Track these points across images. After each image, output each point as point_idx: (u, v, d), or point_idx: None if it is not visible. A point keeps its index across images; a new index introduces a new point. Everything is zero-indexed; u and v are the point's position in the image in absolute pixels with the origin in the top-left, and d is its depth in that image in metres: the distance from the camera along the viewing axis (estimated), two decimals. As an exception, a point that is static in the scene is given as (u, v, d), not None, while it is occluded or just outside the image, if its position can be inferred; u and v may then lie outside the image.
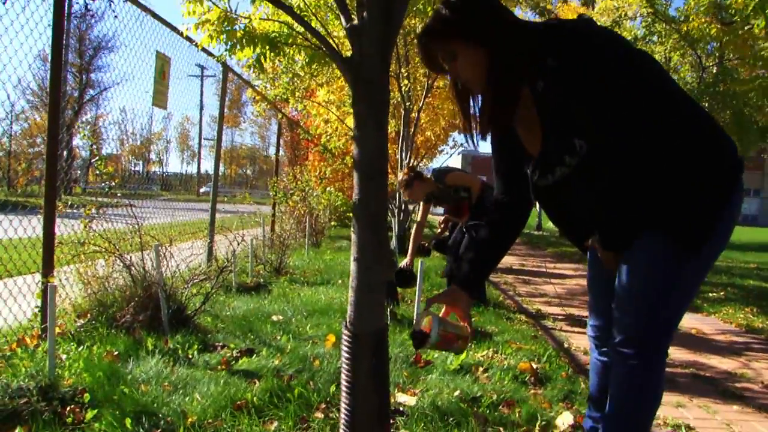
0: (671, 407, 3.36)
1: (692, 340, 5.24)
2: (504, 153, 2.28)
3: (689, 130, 1.87)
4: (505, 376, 3.56)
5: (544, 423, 2.88)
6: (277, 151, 10.80)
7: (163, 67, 5.71)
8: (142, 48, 5.37)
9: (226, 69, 7.39)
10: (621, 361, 2.04)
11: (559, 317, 5.87)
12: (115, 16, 4.12)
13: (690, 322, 5.97)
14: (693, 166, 1.86)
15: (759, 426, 3.20)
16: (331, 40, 5.48)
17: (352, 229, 2.31)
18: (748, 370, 4.28)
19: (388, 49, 2.29)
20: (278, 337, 4.17)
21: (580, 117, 1.87)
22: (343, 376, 2.35)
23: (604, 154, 1.85)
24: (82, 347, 3.67)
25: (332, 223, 13.86)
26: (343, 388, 2.35)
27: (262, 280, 6.62)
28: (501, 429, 2.78)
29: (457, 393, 3.18)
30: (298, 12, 5.39)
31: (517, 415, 2.94)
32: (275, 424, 2.76)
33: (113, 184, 4.60)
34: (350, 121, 9.92)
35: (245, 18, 5.05)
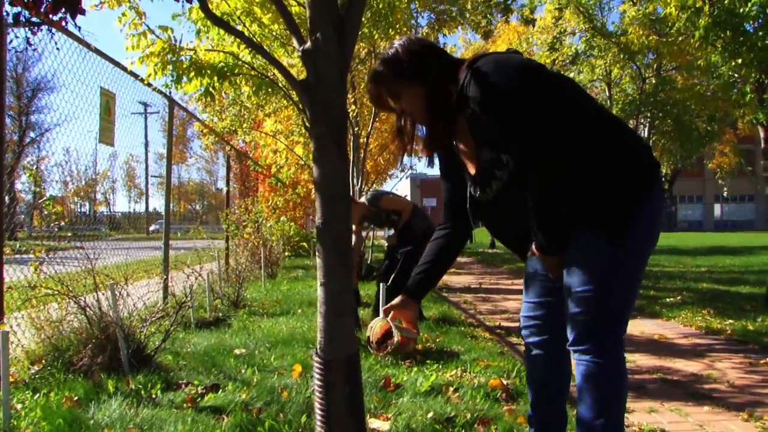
0: (644, 413, 3.39)
1: (656, 345, 5.31)
2: (450, 184, 2.56)
3: (606, 137, 2.12)
4: (477, 394, 3.54)
5: (520, 438, 2.86)
6: (228, 183, 10.69)
7: (108, 103, 5.60)
8: (83, 86, 5.25)
9: (172, 103, 7.28)
10: (581, 358, 2.13)
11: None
12: (57, 49, 4.02)
13: (652, 328, 6.06)
14: (612, 168, 2.08)
15: (731, 425, 3.25)
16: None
17: (316, 253, 2.28)
18: (714, 371, 4.35)
19: (344, 69, 2.28)
20: (243, 371, 4.08)
21: (499, 136, 2.16)
22: (316, 405, 2.30)
23: (524, 166, 2.09)
24: (38, 395, 3.53)
25: (286, 253, 13.76)
26: (318, 418, 2.30)
27: (220, 314, 6.50)
28: (478, 447, 2.75)
29: (430, 414, 3.14)
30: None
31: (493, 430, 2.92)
32: (248, 459, 2.68)
33: (62, 224, 4.47)
34: (299, 150, 9.90)
35: (190, 50, 5.02)
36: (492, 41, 14.93)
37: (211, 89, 4.99)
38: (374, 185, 15.31)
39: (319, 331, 2.28)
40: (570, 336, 2.15)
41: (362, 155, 6.69)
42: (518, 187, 2.17)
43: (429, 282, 2.63)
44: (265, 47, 6.16)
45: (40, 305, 4.38)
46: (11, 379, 3.89)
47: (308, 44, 2.23)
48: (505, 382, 3.71)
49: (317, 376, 2.28)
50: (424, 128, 2.47)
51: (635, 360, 4.65)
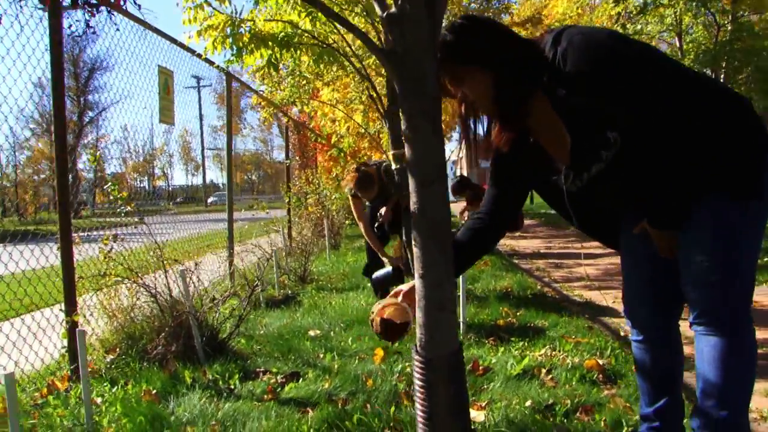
0: (761, 396, 3.09)
1: (757, 315, 4.96)
2: (501, 178, 2.34)
3: (714, 99, 1.94)
4: (572, 376, 3.30)
5: (632, 429, 2.61)
6: (287, 155, 10.56)
7: (167, 81, 5.45)
8: (138, 65, 5.09)
9: (230, 77, 7.13)
10: (704, 339, 1.99)
11: (603, 303, 5.61)
12: (117, 29, 3.86)
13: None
14: (728, 128, 1.93)
15: None
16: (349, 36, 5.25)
17: (413, 242, 2.05)
18: None
19: (435, 36, 2.03)
20: (321, 356, 3.91)
21: (610, 111, 1.93)
22: (417, 405, 2.10)
23: (643, 139, 1.89)
24: (116, 387, 3.44)
25: (346, 222, 13.61)
26: (419, 419, 2.10)
27: (290, 291, 6.37)
28: (588, 442, 2.52)
29: (528, 403, 2.92)
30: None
31: (602, 423, 2.67)
32: (339, 458, 2.51)
33: (128, 209, 4.35)
34: (358, 117, 9.65)
35: (249, 21, 4.80)
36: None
37: (273, 60, 4.77)
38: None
39: (419, 326, 2.07)
40: (696, 311, 1.99)
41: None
42: (620, 166, 2.03)
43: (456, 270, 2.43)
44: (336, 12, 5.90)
45: (111, 292, 4.30)
46: (88, 370, 3.83)
47: (393, 9, 1.98)
48: (600, 362, 3.46)
49: (417, 375, 2.07)
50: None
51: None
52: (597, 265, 7.95)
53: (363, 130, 9.99)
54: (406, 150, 2.02)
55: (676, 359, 2.30)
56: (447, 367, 2.05)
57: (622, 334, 4.39)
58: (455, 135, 21.91)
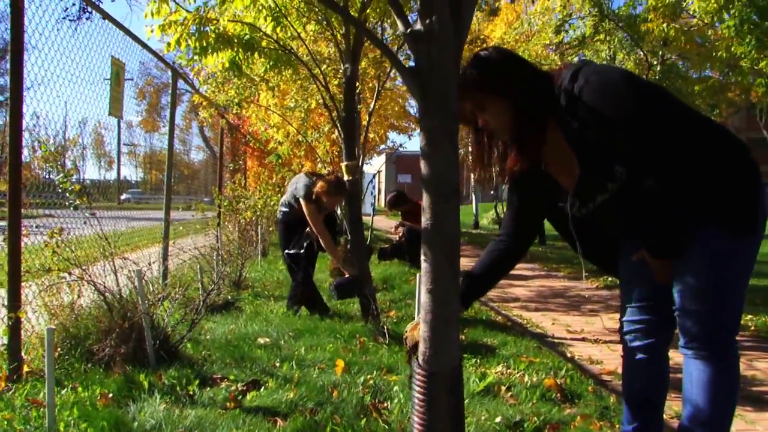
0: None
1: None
2: (521, 200, 2.44)
3: (715, 138, 2.08)
4: (533, 395, 3.36)
5: (602, 449, 2.69)
6: (221, 158, 10.37)
7: (119, 73, 5.28)
8: (53, 51, 4.69)
9: (176, 74, 6.97)
10: (700, 359, 2.10)
11: (542, 323, 5.75)
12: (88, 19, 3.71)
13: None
14: (725, 167, 2.05)
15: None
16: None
17: (423, 257, 2.06)
18: (755, 371, 4.22)
19: (459, 55, 2.05)
20: (277, 364, 3.85)
21: (619, 146, 2.03)
22: (415, 418, 2.10)
23: (647, 174, 2.00)
24: (65, 390, 3.28)
25: (270, 228, 13.46)
26: (416, 430, 2.10)
27: (230, 297, 6.23)
28: (564, 460, 2.57)
29: (498, 419, 2.95)
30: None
31: (575, 442, 2.74)
32: (317, 471, 2.47)
33: (78, 203, 4.18)
34: (296, 124, 9.59)
35: (213, 20, 4.70)
36: (491, 20, 14.66)
37: (237, 61, 4.69)
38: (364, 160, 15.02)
39: (423, 340, 2.07)
40: (688, 336, 2.12)
41: (365, 134, 6.42)
42: (624, 198, 2.14)
43: (478, 292, 2.56)
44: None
45: (53, 288, 4.11)
46: (27, 369, 3.64)
47: (419, 26, 1.98)
48: (558, 382, 3.54)
49: (418, 388, 2.07)
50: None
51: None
52: (529, 286, 8.14)
53: (301, 139, 9.93)
54: (423, 166, 2.02)
55: (662, 379, 2.39)
56: (450, 381, 2.06)
57: (569, 355, 4.51)
58: (382, 147, 22.01)
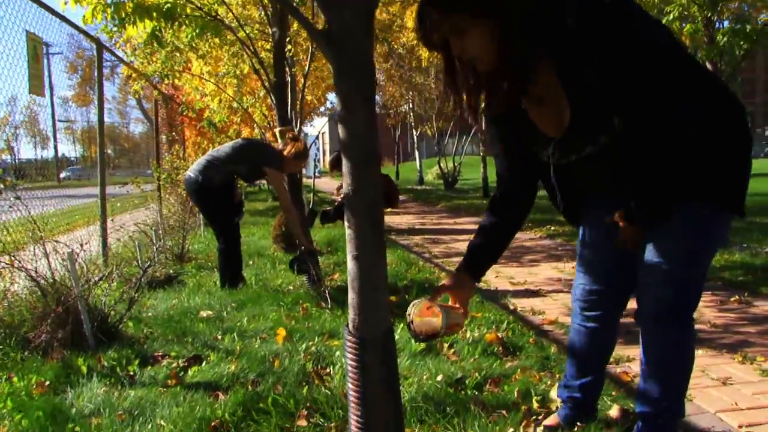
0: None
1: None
2: (508, 150, 2.21)
3: (716, 96, 1.88)
4: (474, 350, 3.42)
5: (540, 398, 2.75)
6: (156, 130, 10.13)
7: (35, 49, 5.07)
8: None
9: (101, 47, 6.73)
10: (661, 330, 2.07)
11: (487, 276, 5.83)
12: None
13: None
14: (725, 136, 1.89)
15: (730, 368, 3.24)
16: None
17: (346, 223, 2.05)
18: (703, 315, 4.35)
19: (371, 18, 2.01)
20: (219, 337, 3.82)
21: (622, 93, 1.78)
22: (350, 386, 2.10)
23: (645, 129, 1.80)
24: (-1, 381, 3.20)
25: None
26: (352, 399, 2.10)
27: (171, 271, 6.15)
28: (503, 412, 2.61)
29: (439, 377, 3.00)
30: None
31: (514, 394, 2.79)
32: (260, 442, 2.47)
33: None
34: (230, 91, 9.43)
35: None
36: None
37: (157, 32, 4.56)
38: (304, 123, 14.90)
39: (352, 307, 2.06)
40: (652, 306, 2.04)
41: (300, 97, 6.35)
42: (615, 154, 1.90)
43: (489, 259, 2.29)
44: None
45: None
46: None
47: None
48: (500, 336, 3.60)
49: (350, 355, 2.07)
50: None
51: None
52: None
53: (236, 105, 9.78)
54: (340, 131, 2.00)
55: (612, 343, 2.46)
56: (381, 347, 2.07)
57: (511, 307, 4.58)
58: (322, 109, 21.76)
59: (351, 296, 2.07)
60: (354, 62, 1.94)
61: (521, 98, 2.01)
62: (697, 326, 3.81)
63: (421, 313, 2.12)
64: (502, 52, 1.83)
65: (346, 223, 2.06)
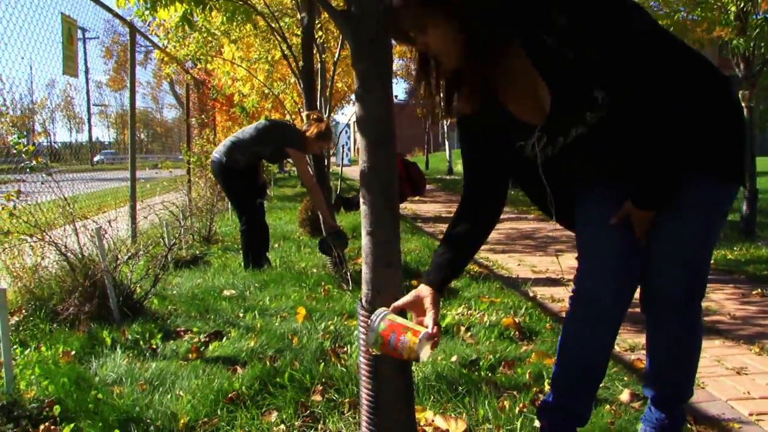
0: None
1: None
2: (476, 150, 2.06)
3: (698, 67, 1.79)
4: (491, 334, 3.45)
5: (551, 381, 2.76)
6: (187, 114, 10.25)
7: (70, 30, 5.19)
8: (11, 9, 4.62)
9: (134, 30, 6.85)
10: (675, 315, 1.99)
11: (509, 266, 5.85)
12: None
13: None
14: (717, 104, 1.81)
15: (746, 359, 3.24)
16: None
17: (361, 200, 2.09)
18: (711, 302, 4.34)
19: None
20: (241, 315, 3.90)
21: (603, 66, 1.68)
22: (361, 359, 2.15)
23: (636, 102, 1.70)
24: (28, 350, 3.30)
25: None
26: (363, 372, 2.15)
27: (197, 252, 6.26)
28: (515, 393, 2.65)
29: (454, 358, 3.03)
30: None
31: (526, 376, 2.82)
32: (275, 414, 2.53)
33: (34, 163, 4.15)
34: (261, 77, 9.50)
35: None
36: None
37: (188, 16, 4.62)
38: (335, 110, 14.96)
39: (365, 282, 2.11)
40: (667, 291, 1.95)
41: (330, 84, 6.39)
42: (605, 132, 1.80)
43: (452, 273, 2.05)
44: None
45: (14, 251, 4.11)
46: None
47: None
48: (516, 320, 3.63)
49: (363, 329, 2.12)
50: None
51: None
52: (498, 229, 8.21)
53: (267, 91, 9.86)
54: (358, 109, 2.04)
55: (608, 350, 2.12)
56: (393, 322, 2.11)
57: (531, 294, 4.60)
58: (352, 97, 21.80)
59: (364, 271, 2.12)
60: (371, 42, 1.98)
61: (495, 92, 1.91)
62: (716, 317, 3.93)
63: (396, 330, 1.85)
64: (467, 51, 1.75)
65: (361, 200, 2.10)
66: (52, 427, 2.42)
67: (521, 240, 7.53)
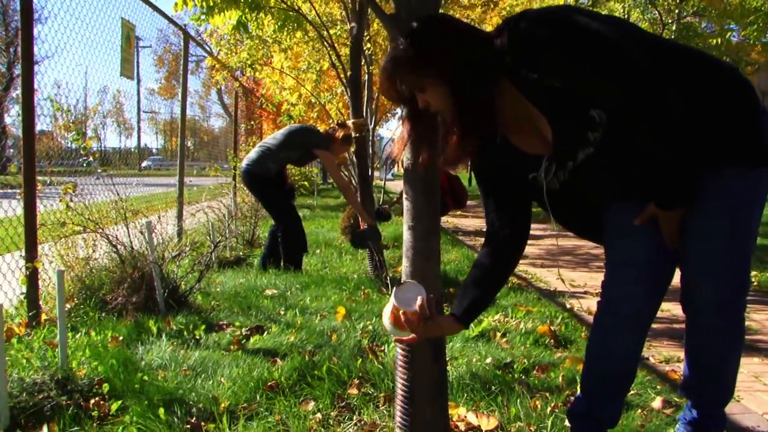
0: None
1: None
2: (494, 187, 2.06)
3: (701, 63, 1.80)
4: (526, 340, 3.49)
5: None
6: (235, 122, 10.47)
7: (128, 34, 5.38)
8: (71, 18, 4.81)
9: (188, 37, 7.06)
10: (720, 319, 1.92)
11: (547, 278, 5.86)
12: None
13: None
14: (725, 94, 1.79)
15: (785, 377, 3.21)
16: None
17: (404, 196, 2.17)
18: (752, 322, 4.29)
19: (437, 5, 2.14)
20: (282, 312, 4.00)
21: (591, 87, 1.70)
22: (398, 349, 2.23)
23: (634, 112, 1.68)
24: (79, 334, 3.44)
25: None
26: (400, 362, 2.23)
27: (241, 254, 6.40)
28: (547, 394, 2.69)
29: (489, 360, 3.08)
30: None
31: (558, 380, 2.86)
32: (312, 404, 2.61)
33: (91, 160, 4.32)
34: (309, 86, 9.68)
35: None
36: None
37: (243, 21, 4.77)
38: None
39: (405, 275, 2.19)
40: (711, 293, 1.89)
41: (376, 96, 6.50)
42: (612, 147, 1.80)
43: (477, 309, 2.10)
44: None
45: (69, 242, 4.29)
46: (45, 317, 3.81)
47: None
48: (552, 329, 3.66)
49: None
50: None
51: (669, 309, 4.52)
52: (539, 245, 8.23)
53: (314, 100, 10.03)
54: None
55: (636, 360, 2.11)
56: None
57: (567, 306, 4.62)
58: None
59: (404, 264, 2.20)
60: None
61: (494, 136, 1.94)
62: (756, 336, 3.90)
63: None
64: (456, 107, 1.78)
65: (404, 196, 2.19)
66: (102, 402, 2.54)
67: (562, 256, 7.52)
